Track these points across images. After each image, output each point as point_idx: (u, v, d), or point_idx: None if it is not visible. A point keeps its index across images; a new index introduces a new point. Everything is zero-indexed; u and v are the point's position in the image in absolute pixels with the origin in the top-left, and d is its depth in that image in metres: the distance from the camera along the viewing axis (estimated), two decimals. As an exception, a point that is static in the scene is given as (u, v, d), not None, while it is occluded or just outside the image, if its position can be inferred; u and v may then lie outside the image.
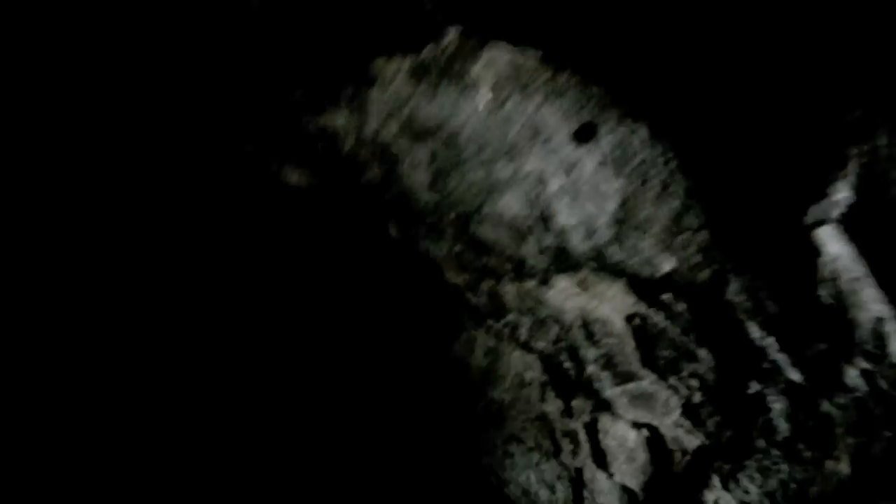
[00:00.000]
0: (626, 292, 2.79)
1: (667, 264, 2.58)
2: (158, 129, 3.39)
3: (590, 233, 2.67)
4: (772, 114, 2.26)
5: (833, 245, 2.24)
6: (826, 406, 2.46)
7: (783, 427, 2.56)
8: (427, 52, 2.75)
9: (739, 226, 2.42)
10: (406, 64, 2.80)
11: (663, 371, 2.77)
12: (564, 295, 2.89)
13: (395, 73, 2.81)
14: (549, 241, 2.77)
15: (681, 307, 2.67)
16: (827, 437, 2.48)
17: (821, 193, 2.17)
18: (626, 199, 2.58)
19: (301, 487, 3.47)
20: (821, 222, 2.18)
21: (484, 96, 2.70)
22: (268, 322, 3.58)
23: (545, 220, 2.74)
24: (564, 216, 2.70)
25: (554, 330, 2.94)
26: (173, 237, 3.58)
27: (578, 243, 2.71)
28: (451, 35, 2.69)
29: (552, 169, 2.67)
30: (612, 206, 2.61)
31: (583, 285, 2.87)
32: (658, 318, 2.73)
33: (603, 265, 2.71)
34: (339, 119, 2.95)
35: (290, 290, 3.46)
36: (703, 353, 2.68)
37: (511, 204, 2.78)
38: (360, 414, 3.39)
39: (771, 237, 2.35)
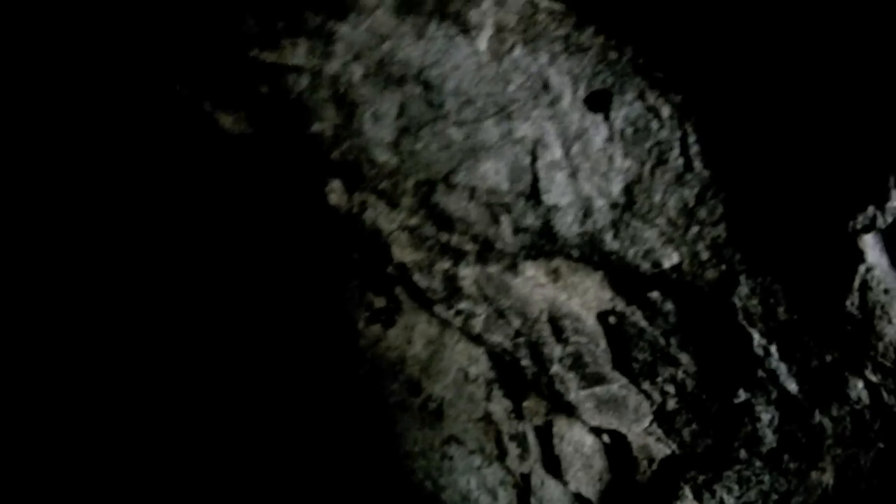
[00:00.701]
0: (603, 286, 2.34)
1: (669, 259, 2.16)
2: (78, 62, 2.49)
3: (584, 215, 2.19)
4: (827, 107, 1.93)
5: (872, 254, 1.95)
6: (819, 417, 2.17)
7: (769, 438, 2.25)
8: None
9: (761, 224, 2.05)
10: None
11: (637, 375, 2.36)
12: (532, 284, 2.39)
13: (376, 4, 2.18)
14: (529, 220, 2.26)
15: (667, 307, 2.27)
16: (815, 448, 2.19)
17: (875, 198, 1.88)
18: (634, 182, 2.12)
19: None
20: (867, 229, 1.89)
21: (482, 43, 2.14)
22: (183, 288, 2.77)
23: (531, 195, 2.22)
24: (556, 194, 2.19)
25: (515, 323, 2.44)
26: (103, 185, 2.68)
27: (567, 226, 2.21)
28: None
29: (551, 137, 2.15)
30: (615, 188, 2.14)
31: (554, 275, 2.38)
32: (637, 318, 2.32)
33: (589, 254, 2.26)
34: (296, 55, 2.23)
35: (208, 251, 2.69)
36: (684, 357, 2.31)
37: (492, 173, 2.23)
38: (270, 406, 2.70)
39: (799, 240, 2.01)
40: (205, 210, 2.59)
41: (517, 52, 2.09)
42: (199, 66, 2.44)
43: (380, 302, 2.59)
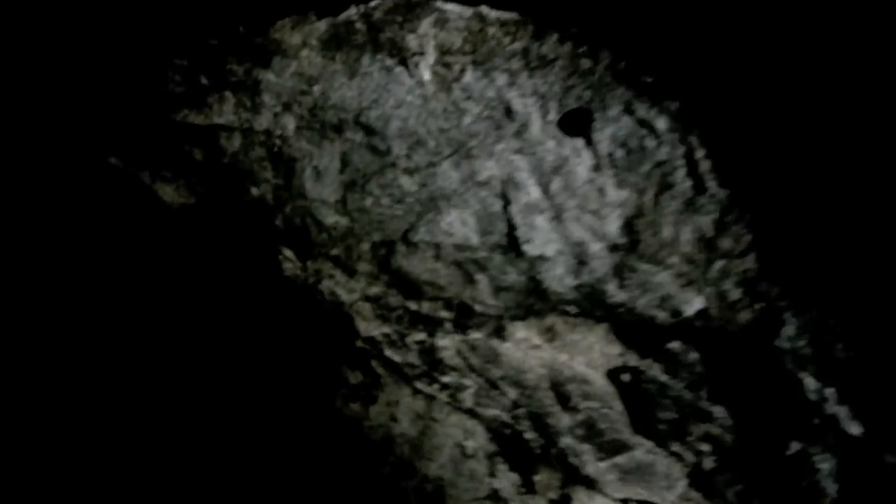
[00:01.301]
0: (609, 341, 1.83)
1: (690, 305, 1.65)
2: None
3: (578, 264, 1.68)
4: (870, 96, 1.43)
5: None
6: (891, 458, 1.67)
7: (831, 489, 1.73)
8: (348, 14, 1.71)
9: (802, 247, 1.56)
10: (318, 31, 1.70)
11: (663, 436, 1.85)
12: (525, 348, 1.90)
13: (301, 44, 1.69)
14: (511, 277, 1.76)
15: (691, 357, 1.78)
16: (887, 494, 1.69)
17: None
18: (634, 216, 1.60)
19: None
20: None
21: (425, 72, 1.68)
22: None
23: (508, 247, 1.74)
24: (539, 242, 1.68)
25: (511, 393, 1.95)
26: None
27: (558, 280, 1.70)
28: (379, -12, 1.67)
29: (524, 174, 1.65)
30: (612, 226, 1.64)
31: (550, 334, 1.89)
32: (656, 372, 1.82)
33: (590, 308, 1.77)
34: (224, 112, 1.80)
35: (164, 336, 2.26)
36: (718, 410, 1.79)
37: (458, 225, 1.74)
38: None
39: (851, 261, 1.52)
40: (153, 288, 2.17)
41: (468, 76, 1.61)
42: (130, 134, 2.01)
43: (356, 377, 2.12)
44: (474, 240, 1.64)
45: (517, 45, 1.60)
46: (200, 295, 2.18)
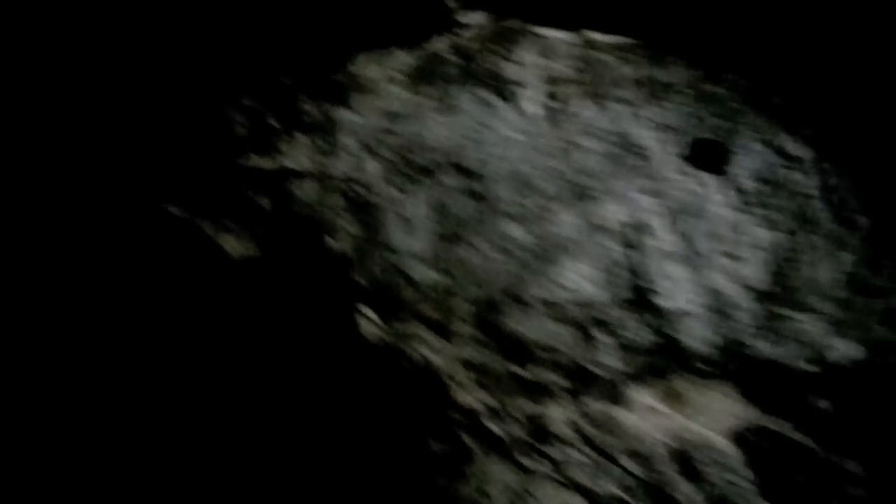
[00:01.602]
0: (736, 399, 1.64)
1: (833, 350, 1.45)
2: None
3: (718, 317, 1.51)
4: None
5: None
6: None
7: None
8: (436, 46, 1.54)
9: None
10: (403, 64, 1.55)
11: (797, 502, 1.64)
12: (644, 414, 1.70)
13: (384, 79, 1.54)
14: (640, 335, 1.57)
15: (826, 408, 1.56)
16: None
17: None
18: (779, 257, 1.45)
19: None
20: None
21: (531, 104, 1.51)
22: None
23: (636, 301, 1.54)
24: (673, 293, 1.48)
25: (627, 465, 1.73)
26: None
27: (696, 335, 1.51)
28: (477, 17, 1.50)
29: (652, 216, 1.49)
30: (756, 271, 1.47)
31: (671, 398, 1.68)
32: (786, 429, 1.60)
33: (724, 364, 1.56)
34: (296, 156, 1.64)
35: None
36: (852, 466, 1.57)
37: (576, 279, 1.55)
38: None
39: None
40: (212, 342, 1.97)
41: (581, 108, 1.44)
42: (191, 180, 1.85)
43: (441, 448, 1.91)
44: (596, 294, 1.43)
45: (633, 72, 1.42)
46: (263, 351, 1.97)
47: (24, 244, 2.00)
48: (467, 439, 1.88)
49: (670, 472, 1.67)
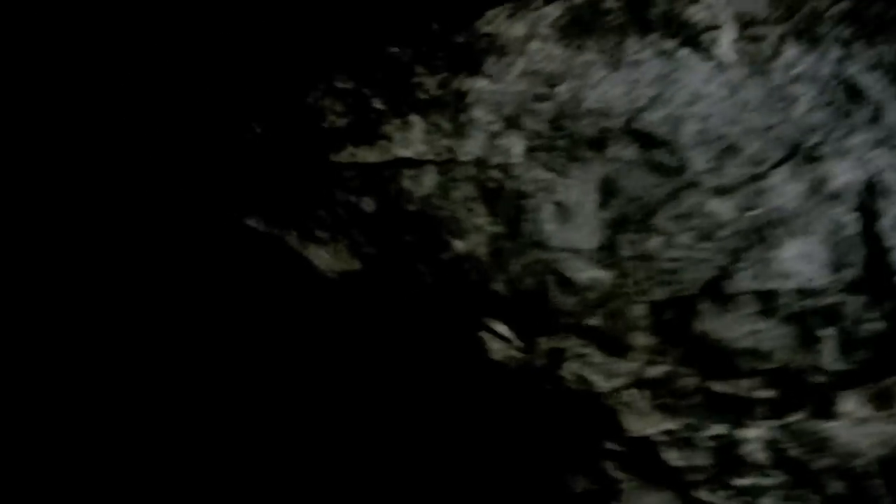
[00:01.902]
0: None
1: None
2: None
3: None
4: None
5: None
6: None
7: None
8: None
9: None
10: (548, 16, 1.28)
11: None
12: (852, 423, 1.42)
13: (527, 35, 1.27)
14: (873, 327, 1.28)
15: None
16: None
17: None
18: None
19: None
20: None
21: (728, 51, 1.24)
22: None
23: (872, 284, 1.24)
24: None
25: (834, 486, 1.43)
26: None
27: None
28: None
29: (892, 176, 1.25)
30: None
31: (881, 402, 1.41)
32: None
33: None
34: (410, 143, 1.34)
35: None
36: None
37: (798, 262, 1.25)
38: None
39: None
40: (307, 382, 1.61)
41: (789, 51, 1.19)
42: (271, 187, 1.52)
43: (585, 484, 1.59)
44: (822, 279, 1.16)
45: (842, 6, 1.18)
46: (368, 384, 1.62)
47: (76, 265, 1.63)
48: (617, 471, 1.57)
49: (876, 491, 1.39)
